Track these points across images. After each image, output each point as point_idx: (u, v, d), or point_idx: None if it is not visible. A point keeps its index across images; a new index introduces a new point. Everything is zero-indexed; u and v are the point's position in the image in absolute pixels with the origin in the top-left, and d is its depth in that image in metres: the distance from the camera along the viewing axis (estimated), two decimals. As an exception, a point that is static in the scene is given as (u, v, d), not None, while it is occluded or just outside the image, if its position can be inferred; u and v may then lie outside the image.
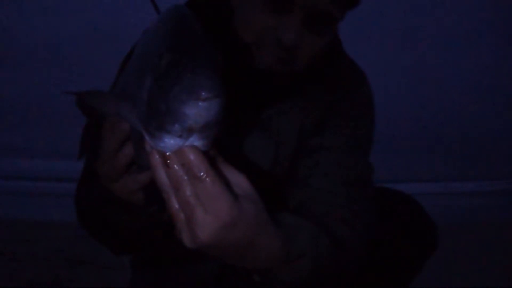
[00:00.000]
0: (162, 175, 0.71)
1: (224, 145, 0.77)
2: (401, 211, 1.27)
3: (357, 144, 1.11)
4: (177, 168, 0.69)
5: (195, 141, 0.69)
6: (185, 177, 0.69)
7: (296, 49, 0.99)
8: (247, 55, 1.02)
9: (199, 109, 0.64)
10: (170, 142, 0.69)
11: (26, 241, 4.12)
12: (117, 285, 2.62)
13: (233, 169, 0.76)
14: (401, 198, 1.32)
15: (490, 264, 3.28)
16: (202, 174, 0.69)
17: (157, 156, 0.71)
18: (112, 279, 2.80)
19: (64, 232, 4.42)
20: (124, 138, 0.82)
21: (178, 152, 0.69)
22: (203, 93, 0.64)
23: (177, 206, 0.71)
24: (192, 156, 0.69)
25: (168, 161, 0.70)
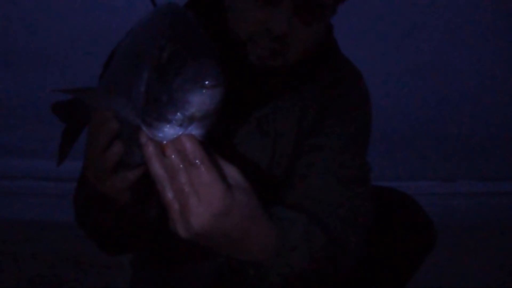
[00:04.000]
0: (156, 166, 0.72)
1: (221, 144, 0.78)
2: (398, 209, 1.27)
3: (354, 143, 1.12)
4: (173, 156, 0.71)
5: (193, 130, 0.71)
6: (181, 165, 0.71)
7: (287, 38, 0.99)
8: (241, 52, 1.02)
9: (203, 97, 0.66)
10: (169, 131, 0.71)
11: (26, 241, 4.12)
12: (117, 285, 2.63)
13: (225, 161, 0.77)
14: (398, 197, 1.32)
15: (490, 264, 3.29)
16: (197, 161, 0.70)
17: (152, 147, 0.72)
18: (112, 279, 2.81)
19: (64, 232, 4.42)
20: (113, 136, 0.82)
21: (175, 140, 0.71)
22: (207, 82, 0.66)
23: (171, 196, 0.72)
24: (188, 144, 0.70)
25: (165, 150, 0.71)
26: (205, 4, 1.10)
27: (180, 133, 0.70)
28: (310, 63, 1.10)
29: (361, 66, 1.23)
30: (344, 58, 1.20)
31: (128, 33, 0.93)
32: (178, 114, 0.68)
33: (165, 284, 1.23)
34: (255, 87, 1.08)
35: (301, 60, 1.05)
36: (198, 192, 0.71)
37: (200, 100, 0.67)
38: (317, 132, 1.11)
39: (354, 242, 1.02)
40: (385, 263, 1.24)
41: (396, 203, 1.29)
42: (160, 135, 0.71)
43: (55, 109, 0.98)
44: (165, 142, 0.72)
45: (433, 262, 1.39)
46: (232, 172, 0.77)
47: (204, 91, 0.66)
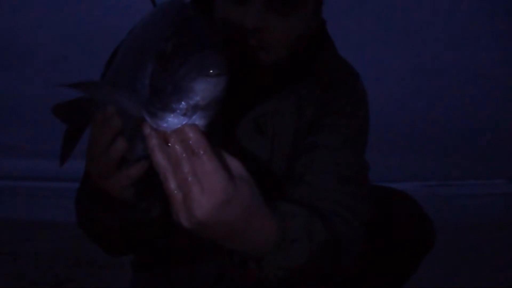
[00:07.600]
0: (160, 157, 0.73)
1: (221, 143, 0.79)
2: (397, 208, 1.28)
3: (352, 142, 1.12)
4: (176, 146, 0.72)
5: (196, 120, 0.72)
6: (184, 155, 0.71)
7: (263, 32, 1.01)
8: (231, 52, 1.03)
9: (207, 85, 0.68)
10: (173, 121, 0.72)
11: (26, 241, 4.13)
12: (117, 285, 2.63)
13: (227, 154, 0.78)
14: (398, 196, 1.33)
15: (489, 264, 3.29)
16: (200, 151, 0.71)
17: (156, 138, 0.73)
18: (112, 279, 2.81)
19: (64, 232, 4.43)
20: (116, 132, 0.82)
21: (178, 130, 0.71)
22: (211, 70, 0.68)
23: (174, 186, 0.72)
24: (191, 134, 0.71)
25: (168, 140, 0.72)
26: (202, 6, 1.10)
27: (184, 122, 0.71)
28: (303, 57, 1.11)
29: (359, 66, 1.24)
30: (341, 59, 1.21)
31: (131, 30, 0.94)
32: (183, 103, 0.70)
33: (165, 284, 1.23)
34: (247, 85, 1.09)
35: (290, 53, 1.06)
36: (200, 182, 0.71)
37: (204, 88, 0.68)
38: (314, 131, 1.12)
39: (352, 240, 1.03)
40: (384, 262, 1.24)
41: (396, 203, 1.29)
42: (164, 125, 0.72)
43: (56, 111, 0.99)
44: (168, 132, 0.73)
45: (432, 262, 1.39)
46: (234, 164, 0.78)
47: (208, 79, 0.68)
